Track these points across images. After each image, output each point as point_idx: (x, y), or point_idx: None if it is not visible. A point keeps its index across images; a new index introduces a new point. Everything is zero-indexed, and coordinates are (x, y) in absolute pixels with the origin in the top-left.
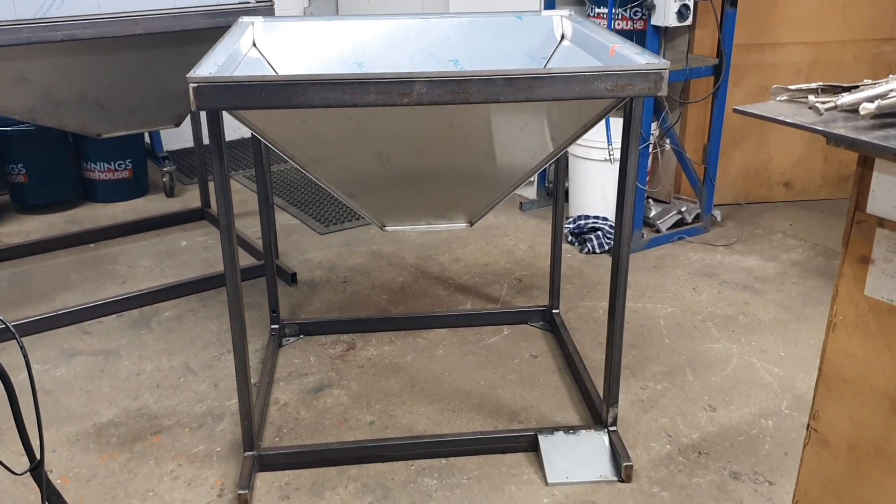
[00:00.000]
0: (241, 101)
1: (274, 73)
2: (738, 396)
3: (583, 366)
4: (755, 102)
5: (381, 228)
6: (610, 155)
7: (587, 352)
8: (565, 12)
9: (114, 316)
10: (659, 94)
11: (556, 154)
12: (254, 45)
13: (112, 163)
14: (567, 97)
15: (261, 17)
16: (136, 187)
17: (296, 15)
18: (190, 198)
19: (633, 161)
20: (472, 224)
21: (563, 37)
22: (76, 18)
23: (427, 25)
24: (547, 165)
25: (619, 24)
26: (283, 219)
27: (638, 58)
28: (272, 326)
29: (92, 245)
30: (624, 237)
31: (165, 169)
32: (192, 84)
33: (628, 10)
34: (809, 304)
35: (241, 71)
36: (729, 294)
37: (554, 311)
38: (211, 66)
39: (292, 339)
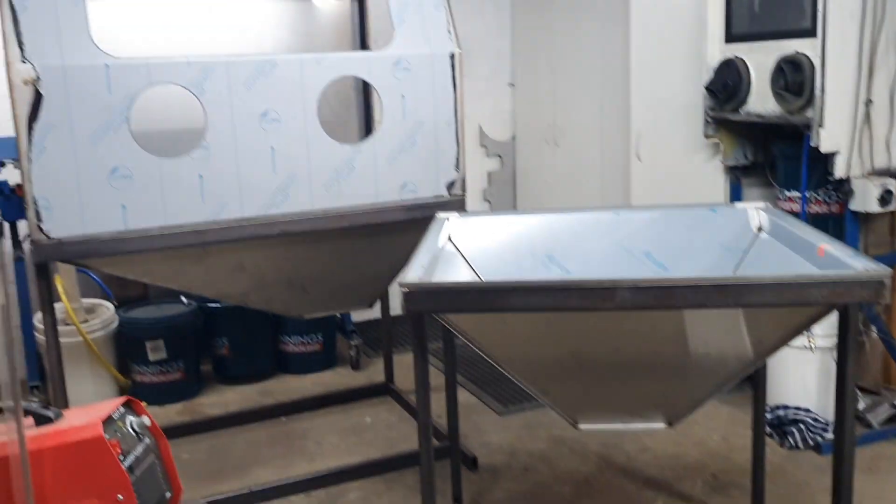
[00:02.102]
0: (447, 305)
1: (469, 267)
2: None
3: None
4: None
5: (574, 426)
6: (810, 342)
7: None
8: (761, 204)
9: (302, 495)
10: (879, 303)
11: (762, 358)
12: (449, 238)
13: (305, 336)
14: (778, 304)
15: (455, 213)
16: (325, 360)
17: (481, 211)
18: (374, 371)
19: (850, 371)
20: (671, 425)
21: (759, 229)
22: (292, 215)
23: (618, 219)
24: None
25: (812, 208)
26: (461, 396)
27: (853, 261)
28: None
29: (284, 419)
30: (846, 457)
31: (353, 343)
32: (403, 289)
33: (822, 194)
34: None
35: (441, 267)
36: None
37: None
38: (418, 268)
39: None
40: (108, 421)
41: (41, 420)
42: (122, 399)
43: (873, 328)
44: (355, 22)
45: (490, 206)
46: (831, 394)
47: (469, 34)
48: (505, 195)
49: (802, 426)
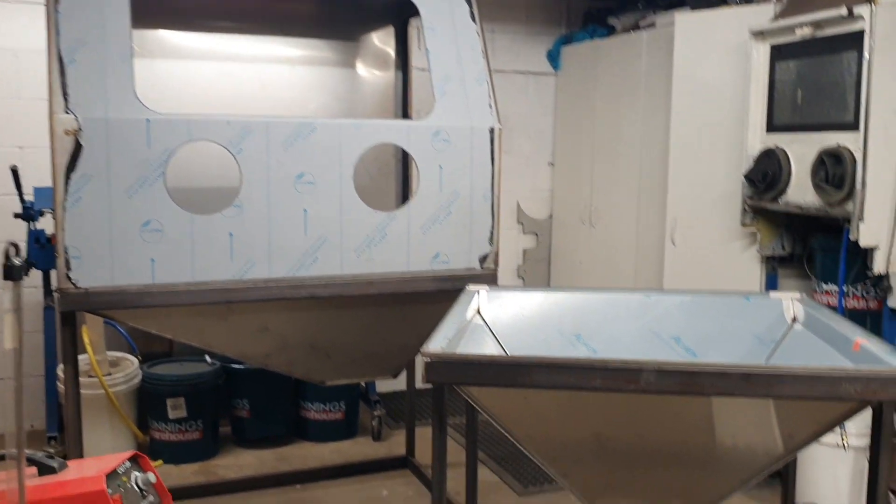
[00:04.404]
0: (469, 378)
1: (496, 342)
2: None
3: None
4: None
5: None
6: (843, 441)
7: None
8: (797, 295)
9: None
10: None
11: (792, 453)
12: (478, 312)
13: (327, 403)
14: (809, 397)
15: (486, 287)
16: (346, 429)
17: (511, 286)
18: (395, 443)
19: (883, 472)
20: None
21: (794, 320)
22: (320, 279)
23: (648, 301)
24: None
25: (850, 303)
26: (481, 474)
27: (889, 357)
28: None
29: (298, 486)
30: None
31: (376, 413)
32: (424, 359)
33: (860, 289)
34: None
35: (466, 339)
36: None
37: None
38: (442, 339)
39: None
40: (112, 475)
41: (44, 470)
42: (129, 453)
43: None
44: (398, 92)
45: (523, 284)
46: (864, 495)
47: (512, 112)
48: (539, 273)
49: None
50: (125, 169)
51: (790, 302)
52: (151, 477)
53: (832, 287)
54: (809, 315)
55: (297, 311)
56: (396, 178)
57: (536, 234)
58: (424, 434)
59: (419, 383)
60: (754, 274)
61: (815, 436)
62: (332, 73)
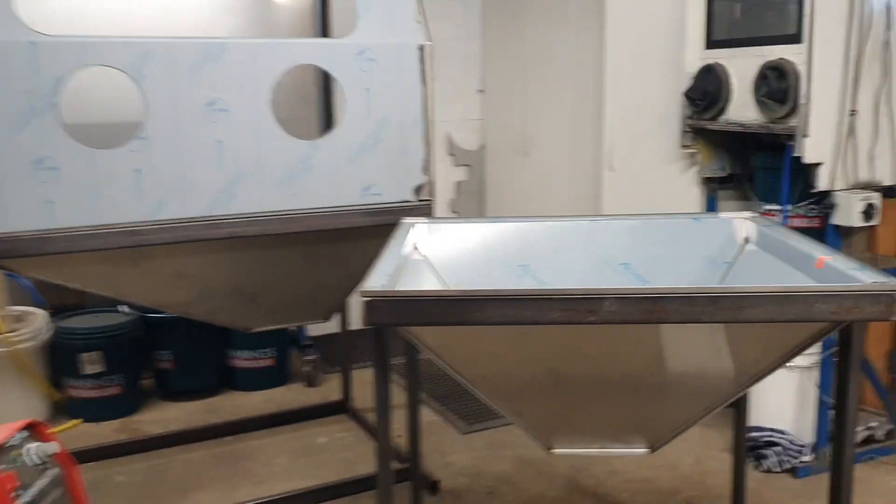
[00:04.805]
0: (413, 317)
1: (437, 277)
2: None
3: None
4: None
5: (548, 451)
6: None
7: None
8: (748, 214)
9: None
10: (891, 319)
11: (755, 381)
12: (416, 246)
13: (255, 351)
14: (780, 319)
15: (423, 219)
16: (278, 376)
17: (451, 217)
18: (330, 388)
19: (853, 395)
20: (653, 450)
21: (746, 240)
22: (240, 217)
23: (595, 227)
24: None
25: (792, 222)
26: (423, 414)
27: (859, 274)
28: None
29: (229, 438)
30: (843, 486)
31: (308, 358)
32: (363, 299)
33: (802, 208)
34: None
35: (406, 276)
36: None
37: None
38: (381, 276)
39: None
40: (2, 449)
41: None
42: (24, 423)
43: None
44: (317, 17)
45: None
46: (808, 415)
47: (436, 35)
48: (473, 206)
49: (780, 449)
50: (9, 99)
51: (741, 221)
52: (51, 447)
53: (774, 207)
54: (763, 234)
55: (216, 253)
56: (318, 109)
57: (469, 166)
58: (361, 377)
59: (353, 325)
60: (693, 196)
61: (780, 362)
62: None
